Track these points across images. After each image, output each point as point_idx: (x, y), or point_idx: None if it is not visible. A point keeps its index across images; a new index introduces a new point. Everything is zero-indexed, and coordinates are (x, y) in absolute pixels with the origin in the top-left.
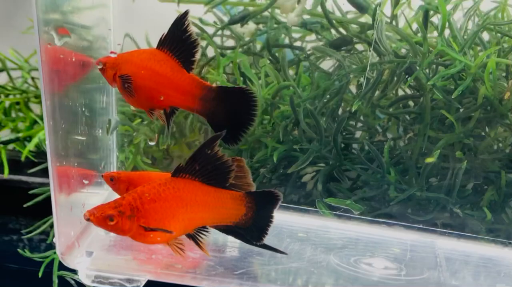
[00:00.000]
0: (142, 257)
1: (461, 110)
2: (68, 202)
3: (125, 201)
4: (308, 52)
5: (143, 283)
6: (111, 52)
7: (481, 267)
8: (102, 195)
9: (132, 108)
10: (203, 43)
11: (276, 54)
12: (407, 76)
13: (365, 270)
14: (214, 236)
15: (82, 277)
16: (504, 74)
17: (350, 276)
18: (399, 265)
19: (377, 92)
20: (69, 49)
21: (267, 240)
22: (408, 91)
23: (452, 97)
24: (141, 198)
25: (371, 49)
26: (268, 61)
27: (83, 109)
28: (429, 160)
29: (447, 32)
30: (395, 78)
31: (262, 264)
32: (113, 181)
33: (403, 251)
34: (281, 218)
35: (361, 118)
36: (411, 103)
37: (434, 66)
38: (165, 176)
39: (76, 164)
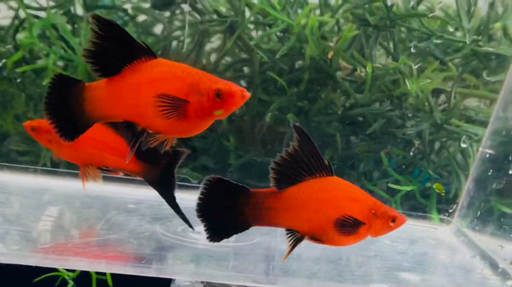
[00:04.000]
0: None
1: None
2: None
3: None
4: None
5: None
6: None
7: None
8: None
9: None
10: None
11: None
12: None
13: (192, 238)
14: None
15: None
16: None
17: (173, 244)
18: None
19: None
20: None
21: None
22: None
23: (276, 57)
24: None
25: (187, 6)
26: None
27: None
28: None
29: None
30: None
31: (71, 236)
32: (34, 131)
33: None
34: (112, 190)
35: None
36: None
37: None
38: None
39: None
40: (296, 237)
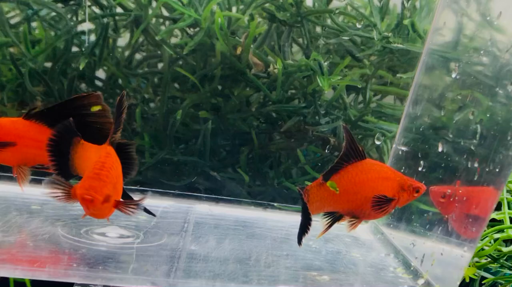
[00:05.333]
0: None
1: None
2: None
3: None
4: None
5: None
6: None
7: (231, 230)
8: None
9: None
10: None
11: None
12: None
13: (96, 240)
14: None
15: None
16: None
17: (73, 246)
18: (137, 233)
19: (125, 53)
20: None
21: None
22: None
23: (184, 53)
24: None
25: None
26: None
27: None
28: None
29: None
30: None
31: None
32: None
33: (150, 218)
34: (13, 190)
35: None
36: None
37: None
38: (17, 121)
39: None
40: (335, 217)
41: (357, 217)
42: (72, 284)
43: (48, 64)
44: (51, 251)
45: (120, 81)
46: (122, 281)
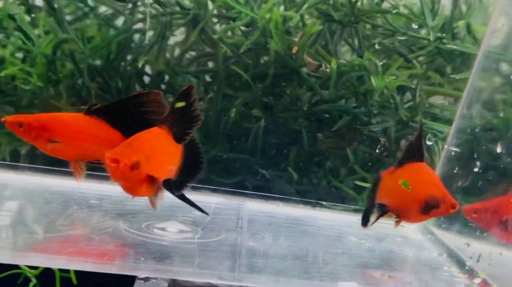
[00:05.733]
0: None
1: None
2: None
3: None
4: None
5: None
6: None
7: (284, 227)
8: None
9: None
10: None
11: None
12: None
13: (156, 234)
14: None
15: None
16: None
17: (136, 241)
18: (195, 228)
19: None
20: None
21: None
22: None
23: (240, 51)
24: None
25: None
26: None
27: None
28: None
29: None
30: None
31: (31, 232)
32: (22, 127)
33: (204, 214)
34: (69, 185)
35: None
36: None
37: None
38: (78, 116)
39: None
40: (382, 211)
41: (399, 215)
42: (114, 278)
43: (99, 62)
44: (117, 245)
45: (167, 78)
46: (190, 275)
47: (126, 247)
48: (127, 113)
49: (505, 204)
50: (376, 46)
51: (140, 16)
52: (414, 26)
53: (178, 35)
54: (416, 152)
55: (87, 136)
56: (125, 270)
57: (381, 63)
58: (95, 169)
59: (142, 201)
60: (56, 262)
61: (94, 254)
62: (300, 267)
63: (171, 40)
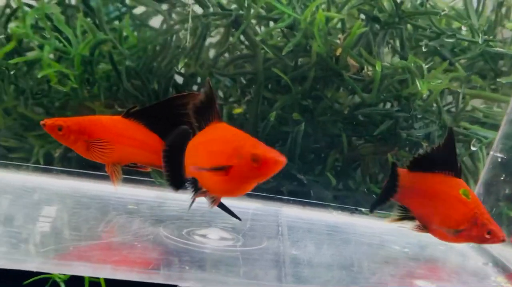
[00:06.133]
0: None
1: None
2: None
3: None
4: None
5: None
6: None
7: (324, 235)
8: None
9: None
10: None
11: (93, 5)
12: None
13: (197, 242)
14: None
15: None
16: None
17: (178, 248)
18: (236, 235)
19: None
20: None
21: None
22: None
23: (283, 53)
24: None
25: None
26: None
27: None
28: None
29: None
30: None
31: (72, 239)
32: (61, 130)
33: (243, 220)
34: (106, 189)
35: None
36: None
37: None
38: (117, 119)
39: None
40: (406, 216)
41: (425, 226)
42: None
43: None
44: (160, 253)
45: (199, 79)
46: (238, 285)
47: (169, 255)
48: (165, 116)
49: None
50: (423, 49)
51: (174, 16)
52: (463, 28)
53: (213, 36)
54: (449, 165)
55: (125, 139)
56: (170, 280)
57: (426, 66)
58: (131, 172)
59: (179, 206)
60: (102, 272)
61: (138, 263)
62: (347, 277)
63: (207, 41)
